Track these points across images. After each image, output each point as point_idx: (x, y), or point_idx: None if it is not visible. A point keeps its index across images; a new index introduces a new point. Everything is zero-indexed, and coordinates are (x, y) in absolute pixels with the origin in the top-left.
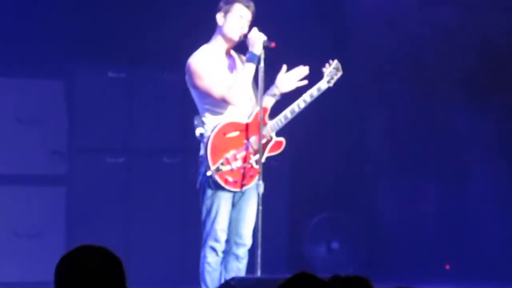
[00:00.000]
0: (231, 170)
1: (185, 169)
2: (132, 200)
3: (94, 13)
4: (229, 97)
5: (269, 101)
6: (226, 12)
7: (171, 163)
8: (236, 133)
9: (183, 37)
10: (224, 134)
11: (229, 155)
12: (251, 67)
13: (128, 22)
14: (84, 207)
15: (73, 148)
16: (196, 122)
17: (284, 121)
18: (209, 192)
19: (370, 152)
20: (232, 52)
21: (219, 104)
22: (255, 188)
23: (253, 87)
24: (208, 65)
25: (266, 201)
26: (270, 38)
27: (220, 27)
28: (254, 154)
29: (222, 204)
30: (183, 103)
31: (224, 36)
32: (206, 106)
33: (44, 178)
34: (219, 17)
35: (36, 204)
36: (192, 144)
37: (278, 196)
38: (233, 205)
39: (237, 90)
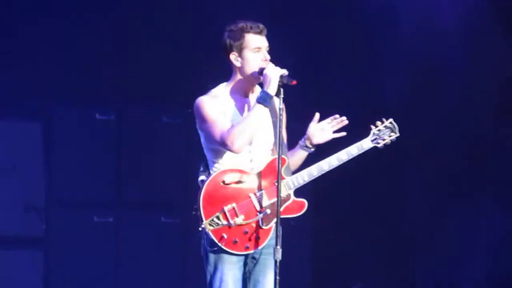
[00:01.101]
0: (229, 226)
1: (187, 230)
2: (125, 266)
3: (82, 47)
4: (227, 141)
5: (299, 155)
6: (239, 51)
7: (171, 222)
8: (239, 184)
9: (185, 72)
10: (223, 182)
11: (227, 208)
12: (260, 109)
13: (121, 57)
14: (65, 272)
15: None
16: (201, 169)
17: (307, 179)
18: (211, 256)
19: (407, 210)
20: (256, 93)
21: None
22: (271, 255)
23: (275, 135)
24: (216, 105)
25: (285, 270)
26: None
27: (239, 68)
28: (261, 212)
29: (226, 271)
30: (187, 149)
31: (246, 77)
32: (211, 152)
33: (18, 240)
34: (233, 58)
35: (10, 268)
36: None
37: (299, 263)
38: (249, 275)
39: (238, 134)
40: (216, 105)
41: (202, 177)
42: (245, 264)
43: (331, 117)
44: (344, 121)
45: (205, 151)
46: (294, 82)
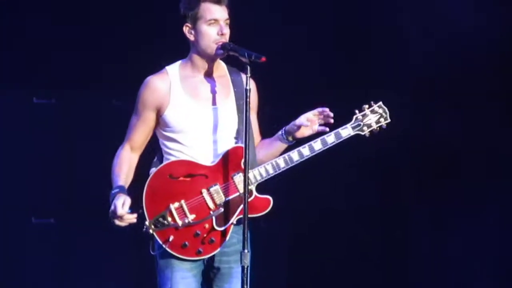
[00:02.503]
0: (175, 228)
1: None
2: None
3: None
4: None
5: (276, 147)
6: (193, 21)
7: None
8: (188, 178)
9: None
10: (171, 176)
11: (174, 206)
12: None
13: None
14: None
15: None
16: (155, 159)
17: (272, 172)
18: (160, 262)
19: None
20: (219, 70)
21: (181, 139)
22: (238, 262)
23: (240, 121)
24: (150, 101)
25: (256, 279)
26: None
27: (192, 42)
28: (214, 210)
29: (178, 279)
30: None
31: (201, 52)
32: (164, 139)
33: None
34: (187, 31)
35: None
36: None
37: (272, 270)
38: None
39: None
40: (150, 100)
41: (152, 169)
42: (204, 273)
43: (319, 109)
44: (331, 117)
45: (158, 138)
46: (263, 59)
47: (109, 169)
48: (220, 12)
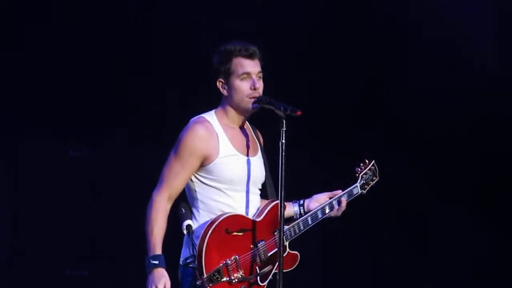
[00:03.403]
0: (229, 283)
1: None
2: None
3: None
4: (152, 200)
5: (289, 212)
6: (226, 76)
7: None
8: (241, 233)
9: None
10: (227, 230)
11: (230, 261)
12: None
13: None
14: None
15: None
16: (183, 211)
17: (303, 229)
18: None
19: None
20: (246, 124)
21: (224, 189)
22: None
23: (266, 174)
24: (197, 150)
25: None
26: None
27: (226, 96)
28: (261, 267)
29: None
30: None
31: (235, 107)
32: (206, 189)
33: None
34: (220, 85)
35: None
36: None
37: None
38: None
39: (148, 222)
40: (199, 148)
41: (188, 222)
42: None
43: (335, 192)
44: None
45: (193, 186)
46: (299, 113)
47: (140, 218)
48: (252, 67)
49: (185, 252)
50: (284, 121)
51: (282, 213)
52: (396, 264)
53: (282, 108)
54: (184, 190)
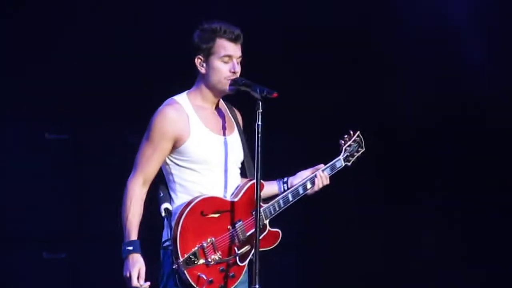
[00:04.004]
0: (206, 265)
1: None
2: None
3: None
4: (127, 187)
5: (272, 190)
6: (207, 55)
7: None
8: (217, 214)
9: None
10: (202, 213)
11: (206, 243)
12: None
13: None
14: None
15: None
16: (161, 194)
17: (283, 206)
18: None
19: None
20: (221, 103)
21: (199, 169)
22: None
23: (245, 153)
24: (167, 132)
25: None
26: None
27: (203, 74)
28: (240, 247)
29: None
30: None
31: (210, 87)
32: (180, 170)
33: None
34: (198, 63)
35: None
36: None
37: None
38: None
39: (123, 208)
40: (169, 131)
41: (166, 205)
42: None
43: (317, 167)
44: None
45: (169, 168)
46: (275, 95)
47: (119, 202)
48: (235, 50)
49: (164, 235)
50: (260, 103)
51: (259, 193)
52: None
53: (258, 90)
54: (162, 173)
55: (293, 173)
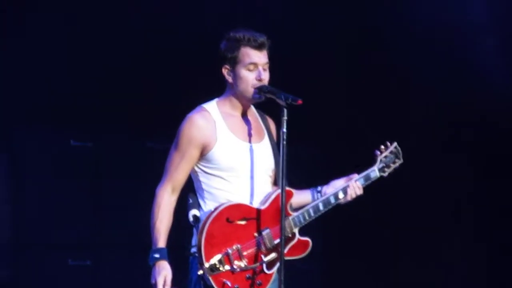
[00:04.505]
0: (232, 272)
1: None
2: None
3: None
4: (156, 193)
5: (305, 198)
6: (233, 64)
7: None
8: (243, 221)
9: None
10: (228, 219)
11: (231, 250)
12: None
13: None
14: None
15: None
16: (190, 201)
17: (313, 215)
18: None
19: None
20: (251, 112)
21: (226, 177)
22: None
23: (276, 162)
24: (195, 140)
25: None
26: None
27: (230, 84)
28: (267, 255)
29: None
30: None
31: (238, 95)
32: (208, 178)
33: None
34: (226, 72)
35: None
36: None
37: None
38: None
39: (153, 216)
40: (197, 138)
41: (194, 212)
42: None
43: (351, 176)
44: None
45: (197, 176)
46: (300, 102)
47: (143, 209)
48: (260, 58)
49: (192, 242)
50: (285, 110)
51: (283, 201)
52: None
53: (283, 97)
54: (192, 181)
55: (326, 182)
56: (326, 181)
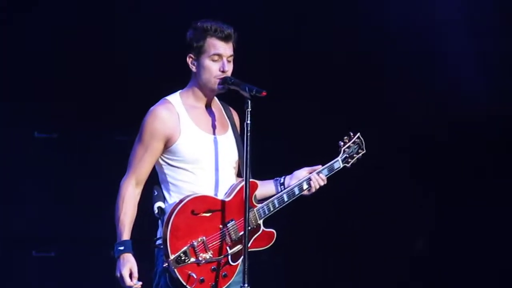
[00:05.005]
0: (197, 264)
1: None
2: None
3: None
4: (121, 186)
5: (269, 189)
6: (197, 54)
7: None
8: (208, 213)
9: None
10: (193, 212)
11: (197, 242)
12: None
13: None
14: None
15: None
16: (156, 193)
17: (278, 206)
18: None
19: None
20: (215, 103)
21: (191, 169)
22: None
23: (240, 153)
24: (158, 132)
25: None
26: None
27: (194, 73)
28: (232, 246)
29: None
30: None
31: (201, 86)
32: (172, 170)
33: None
34: (190, 61)
35: None
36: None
37: None
38: None
39: (118, 207)
40: (160, 131)
41: (159, 204)
42: None
43: (314, 168)
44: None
45: (162, 168)
46: (264, 93)
47: (110, 203)
48: (225, 49)
49: (157, 234)
50: (249, 102)
51: (248, 192)
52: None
53: (247, 88)
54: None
55: (289, 172)
56: (290, 171)
